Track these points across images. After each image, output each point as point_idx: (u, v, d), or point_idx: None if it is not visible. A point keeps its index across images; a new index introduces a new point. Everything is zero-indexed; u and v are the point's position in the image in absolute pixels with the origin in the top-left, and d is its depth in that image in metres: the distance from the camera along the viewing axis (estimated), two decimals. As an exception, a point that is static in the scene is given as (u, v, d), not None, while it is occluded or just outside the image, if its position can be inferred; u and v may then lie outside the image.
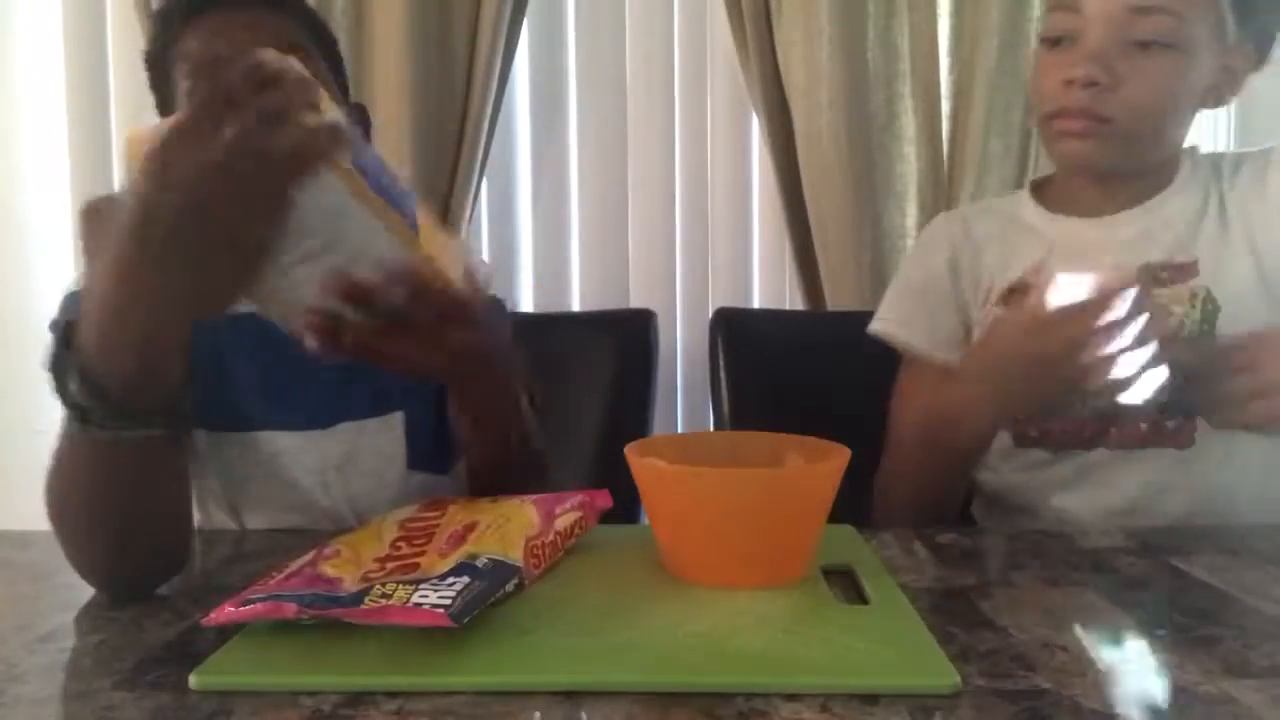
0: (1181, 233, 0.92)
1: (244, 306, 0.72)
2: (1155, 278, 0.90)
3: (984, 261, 0.99)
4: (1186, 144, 0.96)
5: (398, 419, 0.90)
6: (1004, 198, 1.10)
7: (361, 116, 0.95)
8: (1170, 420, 0.89)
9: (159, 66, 0.88)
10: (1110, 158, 0.90)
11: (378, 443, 0.89)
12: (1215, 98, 0.91)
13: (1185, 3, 0.84)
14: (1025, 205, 1.01)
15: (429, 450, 0.92)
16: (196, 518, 0.84)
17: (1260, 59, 0.91)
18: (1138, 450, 0.90)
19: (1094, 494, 0.91)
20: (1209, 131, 1.56)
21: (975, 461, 0.92)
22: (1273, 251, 0.90)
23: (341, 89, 0.93)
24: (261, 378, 0.86)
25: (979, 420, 0.86)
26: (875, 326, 1.03)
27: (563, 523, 0.64)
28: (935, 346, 0.99)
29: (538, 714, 0.43)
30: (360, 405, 0.89)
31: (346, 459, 0.88)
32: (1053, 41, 0.90)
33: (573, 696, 0.45)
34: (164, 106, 0.89)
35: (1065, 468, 0.93)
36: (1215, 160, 0.96)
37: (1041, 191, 1.01)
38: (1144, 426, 0.89)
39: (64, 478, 0.61)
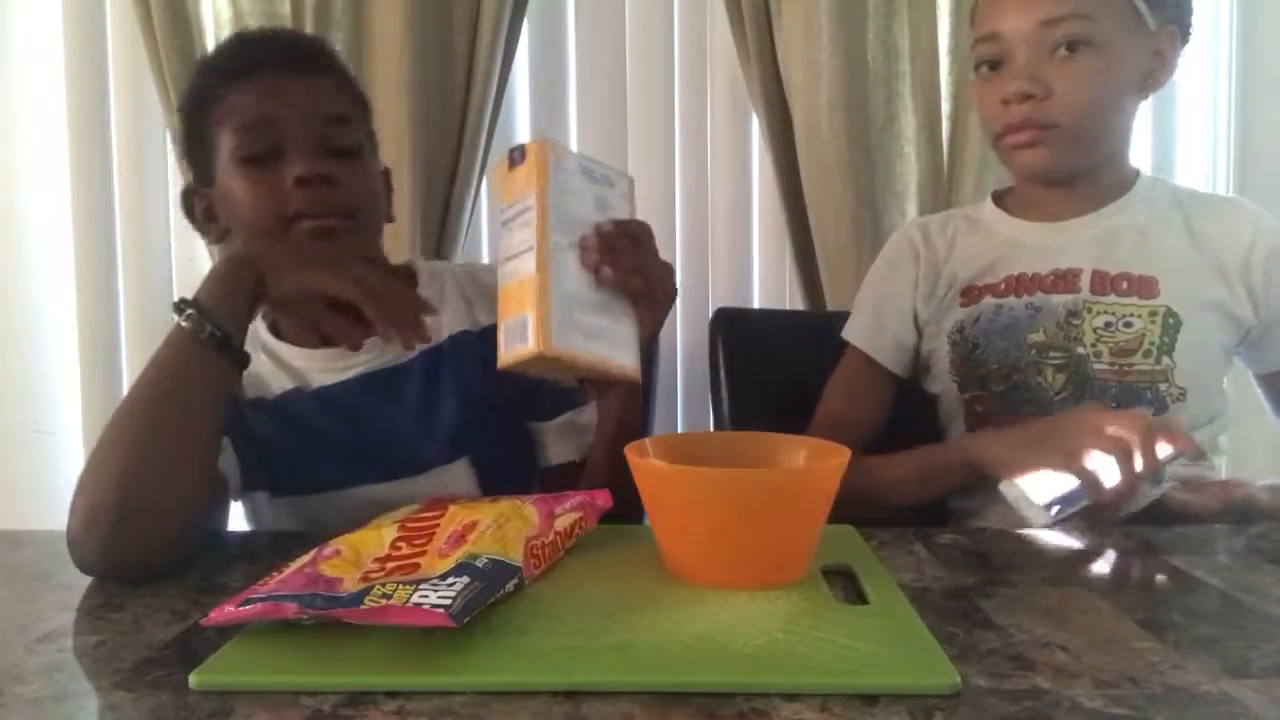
0: (1135, 244, 0.96)
1: (322, 380, 0.93)
2: (1115, 287, 0.94)
3: (943, 265, 1.04)
4: (1147, 173, 1.02)
5: (460, 466, 0.93)
6: (967, 207, 1.15)
7: (386, 181, 0.98)
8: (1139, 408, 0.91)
9: (195, 122, 0.91)
10: (1064, 159, 0.95)
11: (449, 488, 0.91)
12: (1152, 83, 0.96)
13: (1092, 3, 0.90)
14: (987, 210, 1.06)
15: (503, 486, 0.94)
16: None
17: (1185, 38, 0.96)
18: None
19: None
20: (1209, 154, 1.57)
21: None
22: (1242, 290, 0.95)
23: (373, 146, 0.96)
24: (313, 449, 0.91)
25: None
26: (848, 335, 1.09)
27: (563, 523, 0.64)
28: (886, 350, 1.06)
29: (538, 714, 0.43)
30: (428, 455, 0.92)
31: None
32: (987, 70, 0.96)
33: (573, 696, 0.45)
34: (196, 161, 0.93)
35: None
36: (1174, 190, 1.01)
37: (1003, 199, 1.07)
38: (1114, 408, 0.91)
39: (155, 400, 0.70)
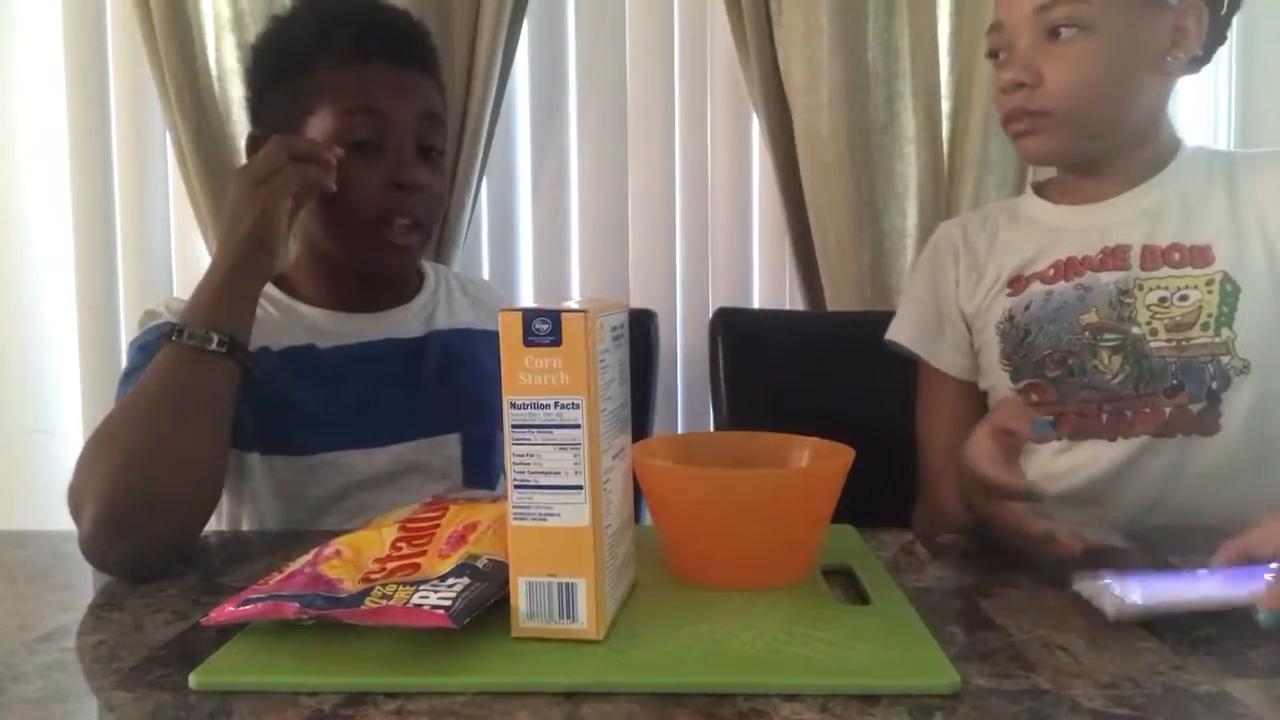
0: (1182, 214, 0.92)
1: (301, 339, 0.90)
2: (1167, 260, 0.91)
3: (986, 261, 1.01)
4: (1192, 143, 0.97)
5: (453, 440, 0.94)
6: (1006, 200, 1.12)
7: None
8: (1194, 404, 0.87)
9: (283, 70, 0.89)
10: (1063, 145, 0.94)
11: (431, 461, 0.92)
12: (1174, 60, 0.91)
13: None
14: (1028, 201, 1.04)
15: (490, 470, 0.96)
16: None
17: (1230, 7, 0.92)
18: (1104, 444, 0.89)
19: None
20: (1208, 136, 1.56)
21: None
22: None
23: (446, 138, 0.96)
24: (319, 404, 0.90)
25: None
26: (892, 335, 1.05)
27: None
28: (944, 355, 1.02)
29: (538, 714, 0.43)
30: (416, 426, 0.93)
31: (395, 476, 0.91)
32: (994, 57, 0.96)
33: (573, 697, 0.45)
34: (269, 108, 0.91)
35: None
36: (1226, 156, 0.98)
37: (1044, 189, 1.04)
38: (1167, 411, 0.88)
39: (149, 400, 0.73)
